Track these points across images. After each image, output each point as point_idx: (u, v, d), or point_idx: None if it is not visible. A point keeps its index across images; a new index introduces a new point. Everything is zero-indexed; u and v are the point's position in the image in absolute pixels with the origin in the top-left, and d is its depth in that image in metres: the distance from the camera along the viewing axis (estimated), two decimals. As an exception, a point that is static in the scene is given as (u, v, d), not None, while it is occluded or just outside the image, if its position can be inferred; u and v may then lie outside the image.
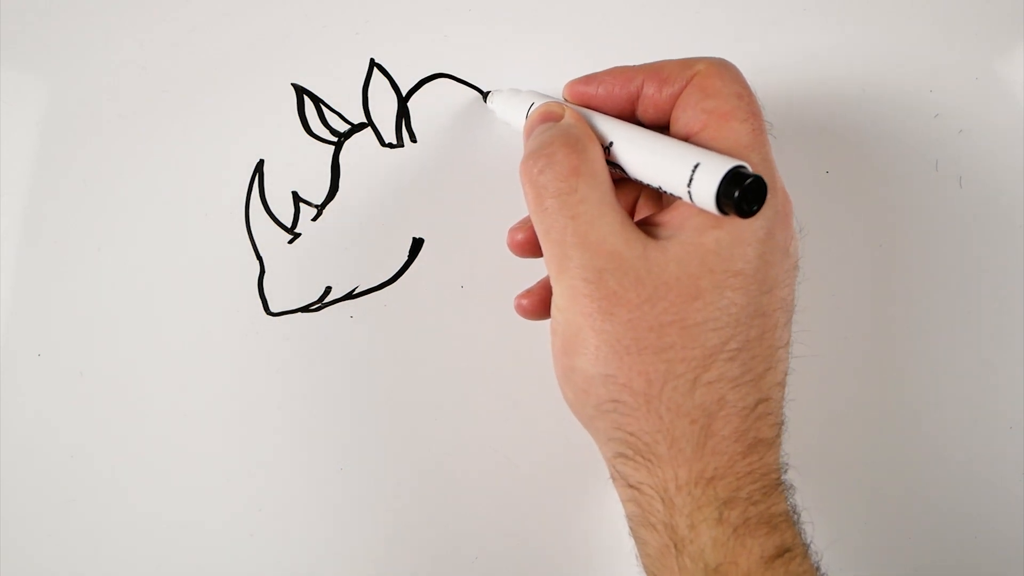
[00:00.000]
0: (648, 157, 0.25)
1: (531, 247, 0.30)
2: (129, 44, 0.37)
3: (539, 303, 0.31)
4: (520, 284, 0.35)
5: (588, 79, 0.29)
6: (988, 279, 0.36)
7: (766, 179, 0.23)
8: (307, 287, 0.36)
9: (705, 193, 0.22)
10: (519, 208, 0.36)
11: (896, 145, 0.37)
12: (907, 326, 0.36)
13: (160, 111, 0.36)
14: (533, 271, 0.35)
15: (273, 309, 0.36)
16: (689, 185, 0.23)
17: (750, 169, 0.23)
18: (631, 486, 0.25)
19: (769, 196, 0.23)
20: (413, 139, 0.36)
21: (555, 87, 0.37)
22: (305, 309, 0.36)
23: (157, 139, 0.36)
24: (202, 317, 0.35)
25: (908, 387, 0.36)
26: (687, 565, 0.24)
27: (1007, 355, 0.36)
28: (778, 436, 0.25)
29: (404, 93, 0.37)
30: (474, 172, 0.36)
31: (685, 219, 0.24)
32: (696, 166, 0.23)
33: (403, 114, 0.36)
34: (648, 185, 0.26)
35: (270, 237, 0.36)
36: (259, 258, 0.36)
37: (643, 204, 0.31)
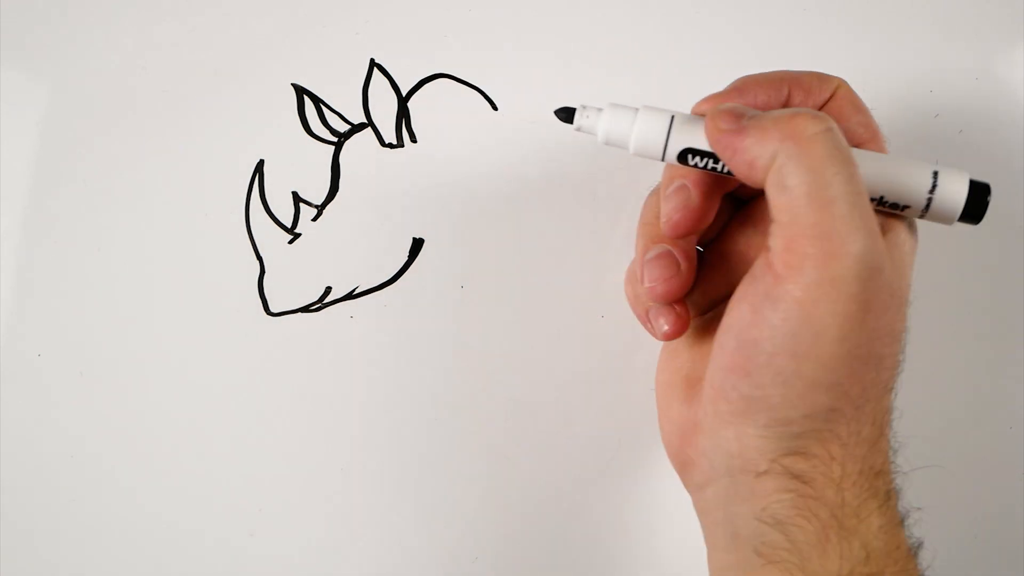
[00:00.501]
0: (881, 171, 0.24)
1: (692, 228, 0.27)
2: (129, 44, 0.37)
3: (685, 319, 0.28)
4: (521, 285, 0.35)
5: (739, 90, 0.26)
6: (988, 279, 0.36)
7: None
8: (307, 287, 0.36)
9: (952, 202, 0.24)
10: (519, 208, 0.36)
11: (896, 145, 0.37)
12: (906, 326, 0.36)
13: (160, 111, 0.36)
14: (533, 272, 0.35)
15: (273, 309, 0.36)
16: (927, 205, 0.24)
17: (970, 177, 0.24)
18: (798, 478, 0.25)
19: None
20: (413, 139, 0.36)
21: (555, 87, 0.37)
22: (305, 309, 0.36)
23: (157, 139, 0.36)
24: (202, 317, 0.35)
25: (908, 387, 0.36)
26: (854, 550, 0.24)
27: (1007, 355, 0.36)
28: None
29: (404, 93, 0.37)
30: (474, 172, 0.36)
31: (888, 225, 0.25)
32: (936, 173, 0.24)
33: (403, 114, 0.36)
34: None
35: (270, 237, 0.36)
36: (259, 258, 0.36)
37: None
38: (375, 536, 0.35)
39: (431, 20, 0.37)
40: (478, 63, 0.37)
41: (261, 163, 0.36)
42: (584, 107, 0.27)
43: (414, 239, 0.36)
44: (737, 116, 0.24)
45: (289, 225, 0.36)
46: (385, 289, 0.36)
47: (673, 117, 0.26)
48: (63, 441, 0.35)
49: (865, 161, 0.24)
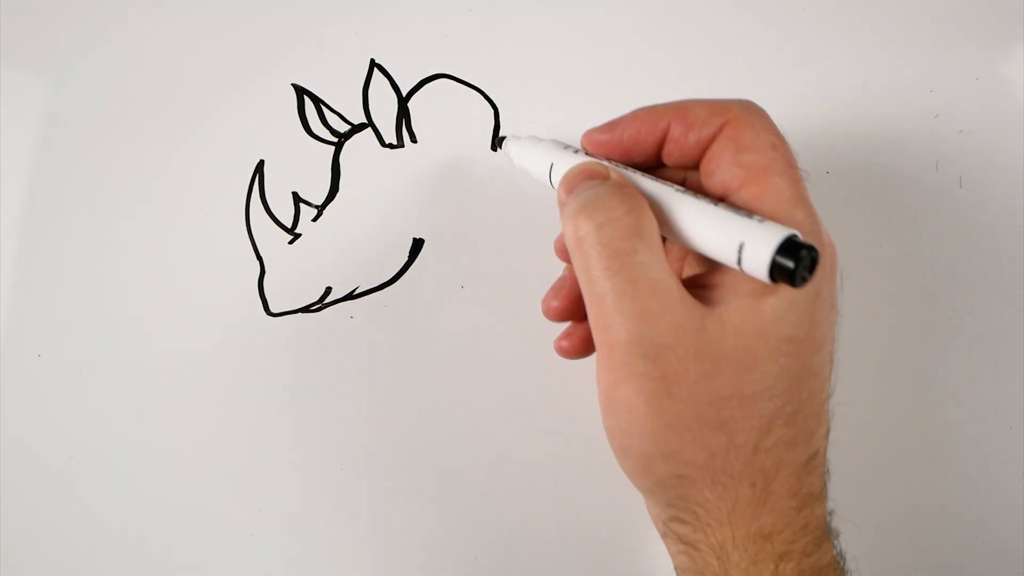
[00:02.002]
0: (693, 231, 0.24)
1: (571, 313, 0.29)
2: (129, 44, 0.37)
3: (581, 343, 0.29)
4: (521, 286, 0.35)
5: (610, 126, 0.27)
6: (988, 279, 0.36)
7: (814, 236, 0.23)
8: (307, 287, 0.36)
9: (757, 269, 0.22)
10: (519, 207, 0.36)
11: (896, 145, 0.37)
12: (907, 326, 0.36)
13: (160, 111, 0.36)
14: (534, 272, 0.35)
15: (273, 309, 0.36)
16: (739, 264, 0.22)
17: (800, 237, 0.22)
18: (685, 543, 0.25)
19: (818, 252, 0.23)
20: (413, 139, 0.36)
21: (555, 86, 0.37)
22: (305, 309, 0.36)
23: (157, 139, 0.36)
24: (202, 317, 0.35)
25: (908, 387, 0.36)
26: None
27: (1007, 355, 0.36)
28: (825, 485, 0.26)
29: (404, 93, 0.37)
30: (474, 172, 0.36)
31: (738, 282, 0.24)
32: (741, 246, 0.22)
33: (403, 114, 0.36)
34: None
35: (270, 237, 0.36)
36: (259, 258, 0.36)
37: (690, 259, 0.29)
38: (375, 536, 0.35)
39: (431, 20, 0.37)
40: (478, 63, 0.37)
41: (261, 163, 0.36)
42: (505, 137, 0.32)
43: (414, 239, 0.36)
44: (569, 187, 0.26)
45: (289, 225, 0.36)
46: (385, 289, 0.36)
47: (552, 164, 0.29)
48: (63, 441, 0.35)
49: (687, 223, 0.24)
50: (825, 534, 0.25)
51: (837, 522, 0.28)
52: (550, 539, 0.35)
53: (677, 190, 0.25)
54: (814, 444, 0.25)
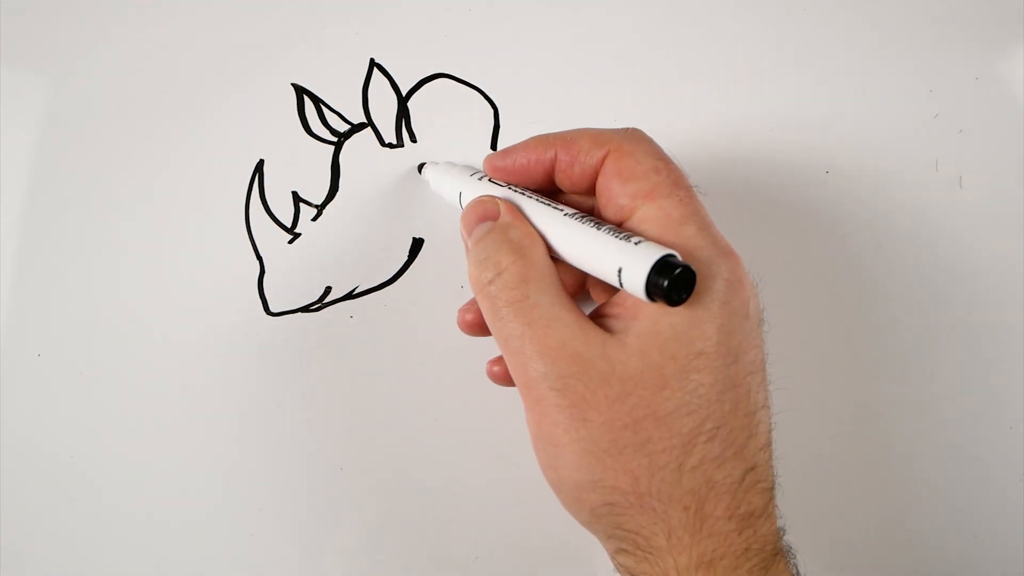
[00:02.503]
0: (578, 255, 0.25)
1: (479, 327, 0.30)
2: (129, 44, 0.37)
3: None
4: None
5: (505, 153, 0.29)
6: (988, 279, 0.36)
7: (709, 248, 0.24)
8: (307, 287, 0.36)
9: (635, 290, 0.23)
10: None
11: (896, 145, 0.37)
12: (907, 326, 0.36)
13: (160, 111, 0.36)
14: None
15: (273, 309, 0.36)
16: (621, 285, 0.23)
17: (678, 257, 0.23)
18: (629, 571, 0.25)
19: (717, 265, 0.24)
20: (413, 139, 0.36)
21: (555, 87, 0.37)
22: (305, 309, 0.36)
23: (157, 139, 0.36)
24: (202, 317, 0.35)
25: (908, 387, 0.36)
26: None
27: (1007, 355, 0.36)
28: (770, 501, 0.25)
29: (404, 93, 0.37)
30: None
31: (639, 306, 0.24)
32: (620, 269, 0.23)
33: (403, 114, 0.36)
34: None
35: (270, 237, 0.36)
36: (259, 258, 0.36)
37: (593, 281, 0.31)
38: (375, 536, 0.35)
39: (431, 20, 0.37)
40: (478, 63, 0.37)
41: (261, 163, 0.36)
42: (425, 163, 0.35)
43: (414, 239, 0.36)
44: (467, 227, 0.28)
45: (289, 225, 0.36)
46: (385, 289, 0.36)
47: (461, 193, 0.31)
48: (63, 441, 0.35)
49: (573, 247, 0.26)
50: (774, 555, 0.24)
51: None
52: (550, 539, 0.35)
53: (565, 214, 0.26)
54: (747, 459, 0.24)
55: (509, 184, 0.29)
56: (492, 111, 0.36)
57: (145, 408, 0.35)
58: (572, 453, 0.24)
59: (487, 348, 0.35)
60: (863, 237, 0.37)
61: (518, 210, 0.27)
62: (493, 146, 0.36)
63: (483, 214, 0.28)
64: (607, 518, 0.25)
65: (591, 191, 0.28)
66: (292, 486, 0.35)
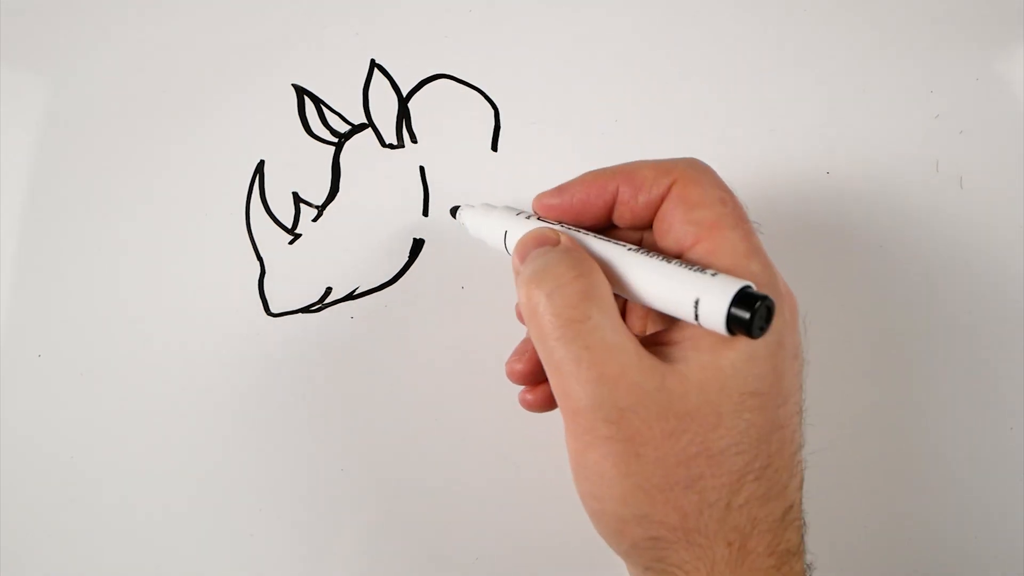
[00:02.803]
0: (648, 289, 0.24)
1: (532, 375, 0.29)
2: (129, 44, 0.37)
3: (546, 399, 0.29)
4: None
5: (560, 190, 0.27)
6: (988, 279, 0.36)
7: (770, 287, 0.23)
8: (307, 288, 0.36)
9: (714, 322, 0.22)
10: (519, 207, 0.36)
11: (896, 145, 0.37)
12: (907, 326, 0.36)
13: (160, 111, 0.36)
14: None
15: (273, 310, 0.36)
16: (696, 319, 0.23)
17: (755, 288, 0.22)
18: None
19: (777, 304, 0.23)
20: (414, 139, 0.36)
21: (555, 87, 0.37)
22: (305, 310, 0.36)
23: (157, 139, 0.36)
24: (202, 317, 0.35)
25: (908, 387, 0.36)
26: None
27: (1007, 355, 0.36)
28: (803, 539, 0.25)
29: (404, 94, 0.37)
30: (474, 172, 0.36)
31: (699, 338, 0.24)
32: (697, 301, 0.22)
33: (403, 115, 0.36)
34: None
35: (270, 237, 0.36)
36: (259, 258, 0.36)
37: (652, 316, 0.30)
38: (375, 536, 0.35)
39: (431, 20, 0.37)
40: (478, 63, 0.37)
41: (261, 163, 0.36)
42: (459, 207, 0.33)
43: (414, 239, 0.36)
44: (521, 255, 0.26)
45: (289, 225, 0.36)
46: (385, 290, 0.36)
47: (507, 232, 0.29)
48: (63, 441, 0.35)
49: (642, 281, 0.24)
50: None
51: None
52: (550, 539, 0.35)
53: (630, 249, 0.25)
54: (788, 498, 0.24)
55: (562, 223, 0.28)
56: (492, 111, 0.36)
57: (145, 408, 0.35)
58: (621, 487, 0.23)
59: (488, 349, 0.35)
60: (863, 237, 0.36)
61: (579, 242, 0.26)
62: (493, 146, 0.36)
63: (541, 239, 0.26)
64: (649, 552, 0.24)
65: (649, 224, 0.27)
66: (292, 486, 0.35)
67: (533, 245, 0.26)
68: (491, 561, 0.35)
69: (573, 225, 0.28)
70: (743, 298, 0.22)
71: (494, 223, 0.29)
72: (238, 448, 0.35)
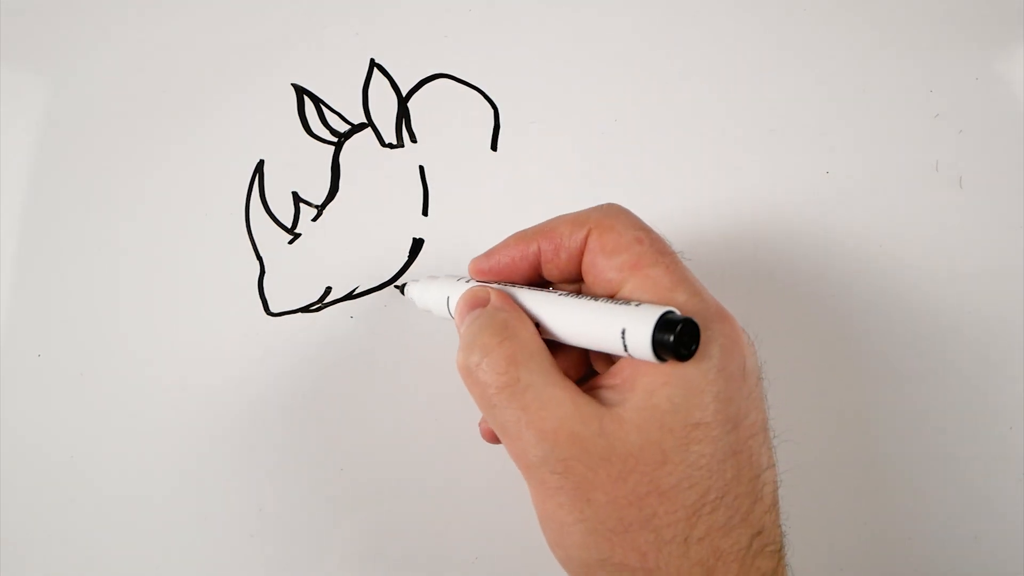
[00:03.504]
0: (577, 329, 0.25)
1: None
2: (129, 44, 0.37)
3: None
4: (520, 284, 0.35)
5: (489, 255, 0.29)
6: (988, 279, 0.36)
7: (701, 314, 0.23)
8: (307, 287, 0.36)
9: (642, 350, 0.22)
10: (519, 207, 0.36)
11: (896, 145, 0.37)
12: (907, 326, 0.36)
13: (160, 111, 0.36)
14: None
15: (273, 309, 0.36)
16: (625, 349, 0.23)
17: (678, 313, 0.23)
18: None
19: (710, 328, 0.23)
20: (413, 139, 0.36)
21: (555, 87, 0.37)
22: (305, 309, 0.36)
23: (157, 139, 0.36)
24: (202, 317, 0.35)
25: (908, 387, 0.36)
26: None
27: (1007, 355, 0.36)
28: (780, 562, 0.25)
29: (404, 93, 0.37)
30: (474, 172, 0.36)
31: (635, 377, 0.24)
32: (623, 331, 0.23)
33: (403, 114, 0.36)
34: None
35: (270, 237, 0.36)
36: (259, 258, 0.36)
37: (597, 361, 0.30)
38: (375, 536, 0.35)
39: (431, 20, 0.37)
40: (478, 63, 0.37)
41: (261, 163, 0.36)
42: (406, 284, 0.34)
43: (414, 239, 0.36)
44: (459, 320, 0.28)
45: (289, 225, 0.36)
46: (385, 289, 0.36)
47: (448, 298, 0.30)
48: (63, 441, 0.35)
49: (570, 322, 0.25)
50: None
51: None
52: (550, 539, 0.35)
53: (559, 295, 0.26)
54: (753, 523, 0.24)
55: (499, 283, 0.29)
56: (492, 111, 0.36)
57: (145, 408, 0.35)
58: (577, 533, 0.24)
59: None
60: (863, 237, 0.37)
61: (509, 296, 0.27)
62: (493, 146, 0.36)
63: (472, 301, 0.27)
64: None
65: (578, 277, 0.28)
66: (292, 486, 0.35)
67: (467, 308, 0.27)
68: (491, 561, 0.35)
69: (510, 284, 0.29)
70: (666, 323, 0.22)
71: (436, 291, 0.31)
72: (238, 448, 0.35)
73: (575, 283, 0.29)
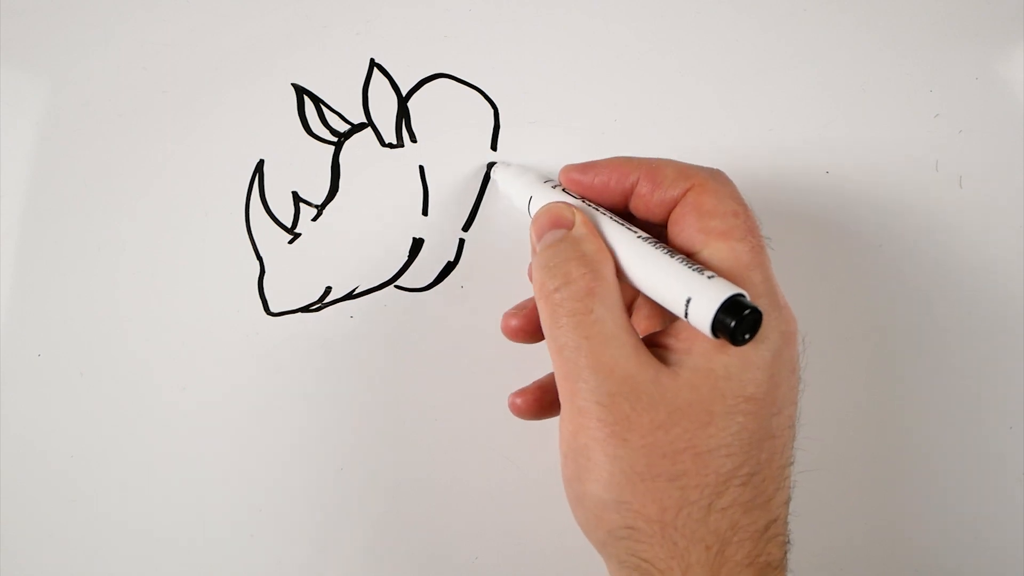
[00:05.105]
0: (648, 279, 0.25)
1: (525, 333, 0.31)
2: (129, 44, 0.37)
3: (535, 403, 0.31)
4: (521, 285, 0.35)
5: (585, 167, 0.29)
6: (988, 279, 0.36)
7: (768, 299, 0.24)
8: (307, 287, 0.36)
9: (700, 323, 0.23)
10: (519, 208, 0.36)
11: (896, 145, 0.37)
12: (907, 326, 0.36)
13: (160, 111, 0.36)
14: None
15: (273, 309, 0.36)
16: (686, 316, 0.23)
17: (748, 298, 0.23)
18: None
19: (774, 317, 0.24)
20: (413, 139, 0.36)
21: (555, 87, 0.37)
22: (305, 309, 0.36)
23: (157, 139, 0.36)
24: (202, 317, 0.35)
25: (908, 387, 0.36)
26: None
27: (1007, 355, 0.36)
28: (785, 555, 0.25)
29: (404, 93, 0.37)
30: (474, 172, 0.36)
31: (693, 342, 0.24)
32: (688, 300, 0.23)
33: (403, 114, 0.36)
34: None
35: (270, 237, 0.36)
36: (259, 258, 0.36)
37: (641, 311, 0.31)
38: (375, 536, 0.35)
39: (431, 20, 0.37)
40: (478, 63, 0.37)
41: (261, 163, 0.36)
42: (496, 163, 0.35)
43: (414, 239, 0.36)
44: (538, 232, 0.28)
45: (289, 225, 0.36)
46: (385, 289, 0.36)
47: (531, 197, 0.30)
48: (63, 441, 0.35)
49: (642, 271, 0.25)
50: None
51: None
52: (550, 539, 0.35)
53: (639, 237, 0.26)
54: (772, 510, 0.24)
55: (583, 198, 0.29)
56: (492, 111, 0.36)
57: (145, 408, 0.35)
58: (604, 470, 0.24)
59: (488, 349, 0.35)
60: (863, 237, 0.37)
61: (593, 224, 0.27)
62: (493, 146, 0.36)
63: (557, 220, 0.27)
64: (624, 542, 0.24)
65: (663, 222, 0.27)
66: (292, 486, 0.35)
67: (548, 225, 0.27)
68: (491, 561, 0.35)
69: (594, 203, 0.29)
70: (733, 305, 0.22)
71: (522, 187, 0.31)
72: (238, 448, 0.35)
73: (655, 225, 0.28)
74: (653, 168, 0.27)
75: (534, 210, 0.29)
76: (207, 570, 0.35)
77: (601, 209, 0.28)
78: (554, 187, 0.30)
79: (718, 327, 0.22)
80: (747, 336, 0.22)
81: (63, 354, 0.35)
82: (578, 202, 0.29)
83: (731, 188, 0.27)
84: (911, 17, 0.37)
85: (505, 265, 0.36)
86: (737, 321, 0.22)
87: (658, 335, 0.26)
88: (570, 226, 0.27)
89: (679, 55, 0.37)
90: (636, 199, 0.28)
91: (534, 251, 0.28)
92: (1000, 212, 0.36)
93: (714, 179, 0.26)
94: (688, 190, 0.26)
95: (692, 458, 0.23)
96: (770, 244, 0.26)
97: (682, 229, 0.26)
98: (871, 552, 0.36)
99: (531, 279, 0.31)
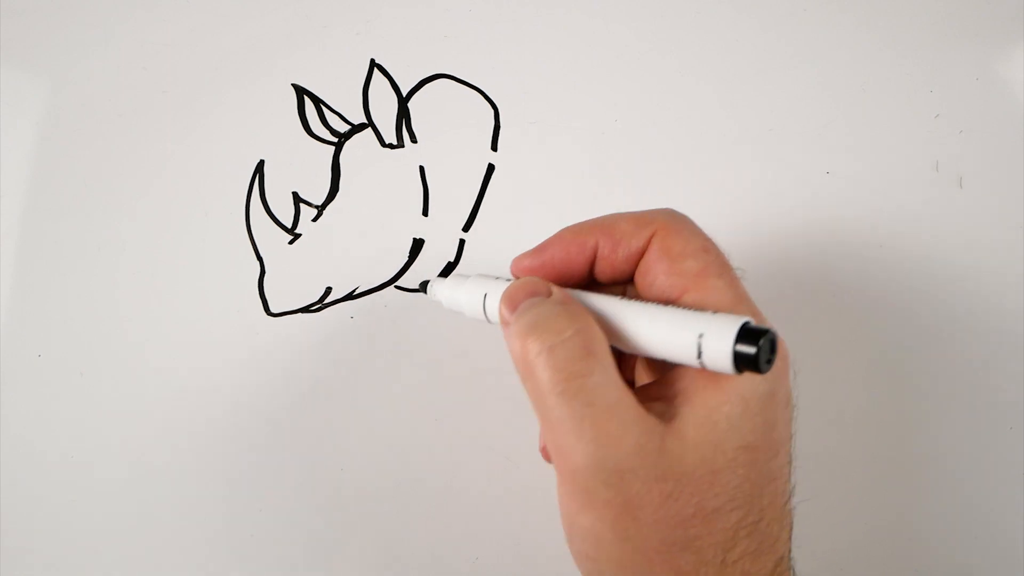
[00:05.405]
0: (649, 336, 0.23)
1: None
2: (129, 44, 0.37)
3: None
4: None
5: (538, 250, 0.27)
6: (988, 279, 0.36)
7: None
8: (307, 287, 0.36)
9: (720, 359, 0.21)
10: (519, 207, 0.36)
11: (896, 145, 0.37)
12: (907, 326, 0.36)
13: (160, 111, 0.36)
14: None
15: (273, 309, 0.36)
16: (700, 357, 0.22)
17: (754, 323, 0.22)
18: None
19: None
20: (413, 139, 0.36)
21: (555, 87, 0.37)
22: (305, 309, 0.36)
23: (157, 139, 0.36)
24: (202, 317, 0.35)
25: (908, 387, 0.36)
26: None
27: (1007, 355, 0.36)
28: None
29: (404, 93, 0.37)
30: (474, 172, 0.36)
31: (692, 391, 0.23)
32: (701, 337, 0.21)
33: (403, 114, 0.36)
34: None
35: (270, 237, 0.36)
36: (259, 258, 0.36)
37: (639, 369, 0.29)
38: (375, 536, 0.35)
39: (431, 20, 0.37)
40: (478, 63, 0.37)
41: (261, 163, 0.36)
42: (428, 281, 0.31)
43: (414, 239, 0.36)
44: (510, 308, 0.25)
45: (289, 225, 0.36)
46: (385, 289, 0.36)
47: (486, 295, 0.27)
48: (63, 441, 0.35)
49: (641, 328, 0.23)
50: None
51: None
52: (550, 540, 0.35)
53: (622, 299, 0.24)
54: (778, 550, 0.24)
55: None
56: (492, 111, 0.36)
57: (145, 408, 0.35)
58: (618, 551, 0.23)
59: (488, 349, 0.35)
60: (863, 237, 0.36)
61: (569, 294, 0.25)
62: (493, 146, 0.36)
63: (533, 290, 0.25)
64: None
65: (629, 278, 0.26)
66: (292, 486, 0.35)
67: (524, 295, 0.25)
68: (491, 561, 0.35)
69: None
70: (747, 333, 0.21)
71: (472, 288, 0.28)
72: (238, 448, 0.35)
73: (622, 285, 0.27)
74: (608, 226, 0.26)
75: (492, 309, 0.27)
76: (207, 570, 0.35)
77: (568, 289, 0.26)
78: (507, 281, 0.28)
79: (740, 360, 0.21)
80: (770, 360, 0.21)
81: (63, 354, 0.35)
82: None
83: (691, 224, 0.25)
84: (911, 17, 0.37)
85: (505, 265, 0.36)
86: (758, 348, 0.21)
87: (650, 388, 0.25)
88: (546, 294, 0.25)
89: (679, 55, 0.37)
90: (600, 263, 0.26)
91: (506, 324, 0.25)
92: (1000, 212, 0.36)
93: (674, 219, 0.25)
94: (651, 237, 0.25)
95: (702, 521, 0.23)
96: (743, 276, 0.25)
97: (655, 279, 0.25)
98: (871, 552, 0.36)
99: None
